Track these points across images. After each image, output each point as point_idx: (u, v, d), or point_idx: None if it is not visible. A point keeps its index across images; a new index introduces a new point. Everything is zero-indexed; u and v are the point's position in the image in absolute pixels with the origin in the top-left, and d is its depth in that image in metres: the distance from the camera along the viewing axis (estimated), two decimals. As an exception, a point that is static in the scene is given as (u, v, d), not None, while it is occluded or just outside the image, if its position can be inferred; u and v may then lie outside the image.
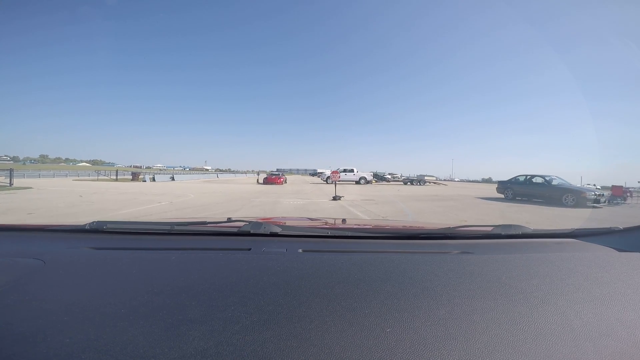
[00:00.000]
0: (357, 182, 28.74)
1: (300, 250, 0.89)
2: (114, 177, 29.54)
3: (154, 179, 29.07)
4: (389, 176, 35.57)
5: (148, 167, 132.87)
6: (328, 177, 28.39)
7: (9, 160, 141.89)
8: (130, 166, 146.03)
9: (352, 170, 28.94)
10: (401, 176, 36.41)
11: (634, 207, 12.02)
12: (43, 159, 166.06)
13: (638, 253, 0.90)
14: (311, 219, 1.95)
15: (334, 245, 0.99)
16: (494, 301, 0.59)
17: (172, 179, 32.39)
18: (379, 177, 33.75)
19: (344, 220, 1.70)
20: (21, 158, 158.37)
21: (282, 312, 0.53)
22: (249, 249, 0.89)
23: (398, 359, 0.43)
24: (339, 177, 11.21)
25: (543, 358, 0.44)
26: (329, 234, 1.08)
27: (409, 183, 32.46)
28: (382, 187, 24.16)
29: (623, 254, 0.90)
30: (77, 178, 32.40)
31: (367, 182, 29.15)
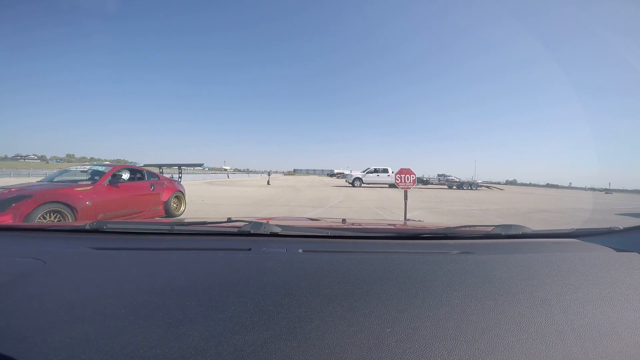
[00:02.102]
0: (392, 186, 22.67)
1: (300, 251, 0.88)
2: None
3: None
4: (435, 178, 28.75)
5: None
6: (356, 179, 22.41)
7: (36, 159, 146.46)
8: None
9: (385, 171, 22.83)
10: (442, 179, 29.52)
11: None
12: (69, 157, 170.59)
13: (638, 253, 0.88)
14: (311, 219, 1.87)
15: (334, 245, 0.97)
16: (494, 301, 0.59)
17: (171, 179, 27.71)
18: (418, 180, 27.18)
19: (343, 220, 1.55)
20: (48, 157, 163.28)
21: (282, 312, 0.53)
22: (249, 249, 0.88)
23: (398, 359, 0.43)
24: (413, 182, 4.99)
25: (543, 358, 0.44)
26: (329, 234, 1.06)
27: (454, 187, 25.91)
28: (432, 194, 17.85)
29: (623, 254, 0.89)
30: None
31: (405, 185, 23.03)
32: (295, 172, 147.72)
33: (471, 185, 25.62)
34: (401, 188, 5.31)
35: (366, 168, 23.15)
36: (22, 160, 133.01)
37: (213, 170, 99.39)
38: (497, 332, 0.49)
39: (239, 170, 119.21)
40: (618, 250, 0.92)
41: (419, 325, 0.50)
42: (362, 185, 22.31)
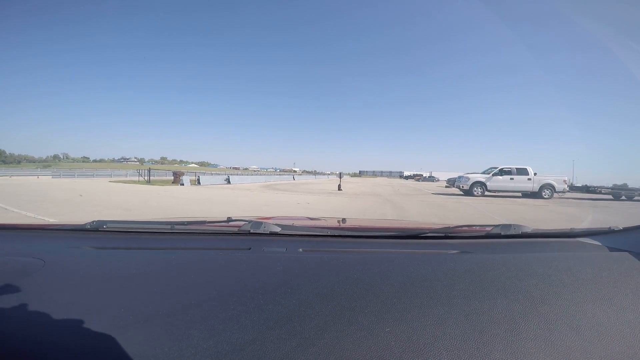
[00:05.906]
0: (533, 195, 14.36)
1: (300, 250, 0.87)
2: (147, 179, 22.43)
3: (198, 182, 20.93)
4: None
5: (245, 169, 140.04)
6: (475, 184, 14.52)
7: (136, 162, 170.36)
8: (230, 167, 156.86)
9: (523, 172, 14.61)
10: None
11: None
12: (163, 160, 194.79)
13: (637, 253, 0.86)
14: (311, 219, 1.82)
15: (334, 245, 0.97)
16: (493, 301, 0.58)
17: (228, 181, 24.16)
18: (573, 187, 17.72)
19: (344, 220, 1.54)
20: (146, 160, 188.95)
21: (282, 312, 0.53)
22: (249, 249, 0.87)
23: (397, 359, 0.43)
24: None
25: (542, 358, 0.45)
26: (329, 233, 1.05)
27: (623, 198, 15.88)
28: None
29: (622, 253, 0.88)
30: (113, 179, 27.88)
31: (553, 194, 14.40)
32: (361, 173, 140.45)
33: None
34: None
35: (488, 168, 15.24)
36: (124, 162, 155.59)
37: (284, 171, 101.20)
38: (496, 331, 0.49)
39: (307, 172, 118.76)
40: (617, 250, 0.91)
41: (418, 324, 0.50)
42: (485, 193, 14.57)
